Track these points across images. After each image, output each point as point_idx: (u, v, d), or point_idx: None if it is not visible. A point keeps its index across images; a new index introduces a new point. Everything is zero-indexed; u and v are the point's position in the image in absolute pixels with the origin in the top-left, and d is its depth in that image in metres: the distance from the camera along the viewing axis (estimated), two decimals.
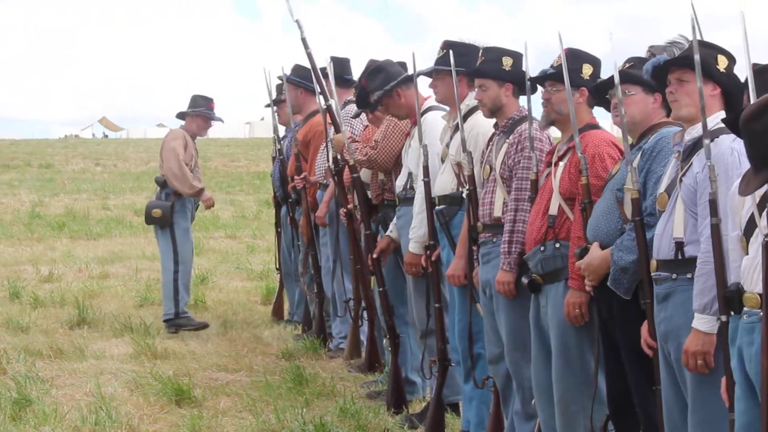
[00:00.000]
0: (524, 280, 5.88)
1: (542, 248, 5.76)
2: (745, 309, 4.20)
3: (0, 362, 9.06)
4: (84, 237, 18.72)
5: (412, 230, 7.34)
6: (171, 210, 10.78)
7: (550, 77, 5.75)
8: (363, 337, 9.28)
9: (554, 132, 6.18)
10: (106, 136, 78.01)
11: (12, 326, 10.71)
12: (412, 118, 7.58)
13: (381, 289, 8.05)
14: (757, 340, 4.14)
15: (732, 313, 4.25)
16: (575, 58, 5.74)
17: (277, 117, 11.08)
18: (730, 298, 4.23)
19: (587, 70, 5.75)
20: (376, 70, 7.79)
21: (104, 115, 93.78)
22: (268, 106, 11.19)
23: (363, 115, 8.93)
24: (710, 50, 4.79)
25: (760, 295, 4.07)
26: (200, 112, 10.98)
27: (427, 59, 7.52)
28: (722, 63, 4.78)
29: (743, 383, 4.22)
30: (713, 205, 4.36)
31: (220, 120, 11.22)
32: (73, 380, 8.73)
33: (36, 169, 34.95)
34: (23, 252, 16.70)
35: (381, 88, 7.69)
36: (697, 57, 4.47)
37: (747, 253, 4.20)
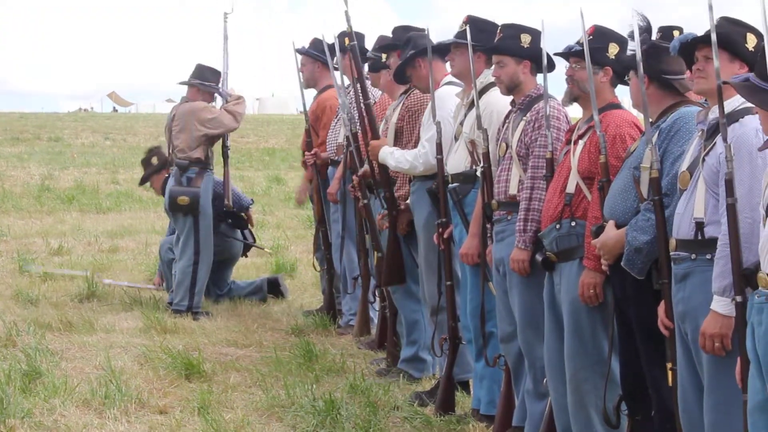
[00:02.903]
0: (538, 258, 5.87)
1: (558, 226, 5.74)
2: (758, 289, 4.18)
3: (10, 334, 9.06)
4: (94, 210, 18.73)
5: (399, 162, 7.54)
6: (198, 197, 10.29)
7: (575, 54, 5.71)
8: (373, 314, 9.29)
9: (573, 111, 6.15)
10: (116, 110, 77.94)
11: (22, 299, 10.71)
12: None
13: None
14: (765, 321, 4.15)
15: (750, 290, 4.23)
16: (602, 36, 5.70)
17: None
18: (749, 277, 4.22)
19: (613, 49, 5.71)
20: (407, 41, 7.71)
21: (113, 89, 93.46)
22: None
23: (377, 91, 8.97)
24: (739, 28, 4.74)
25: None
26: (210, 88, 10.49)
27: (438, 37, 7.51)
28: (751, 41, 4.71)
29: (756, 362, 4.20)
30: (729, 185, 4.33)
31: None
32: (82, 353, 8.73)
33: (45, 142, 34.94)
34: (33, 225, 16.71)
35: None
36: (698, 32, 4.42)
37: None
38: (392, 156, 7.67)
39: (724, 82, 4.38)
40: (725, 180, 4.36)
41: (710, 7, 4.38)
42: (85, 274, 11.34)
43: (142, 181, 11.83)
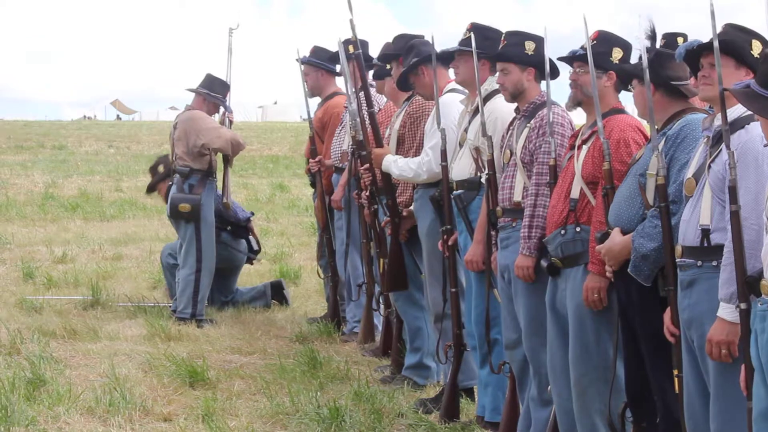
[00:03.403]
0: (543, 263, 5.86)
1: (563, 232, 5.73)
2: (761, 296, 4.17)
3: (14, 342, 9.06)
4: (97, 218, 18.72)
5: (402, 170, 7.53)
6: (199, 204, 10.28)
7: (578, 59, 5.71)
8: (377, 322, 9.28)
9: (577, 117, 6.14)
10: (119, 118, 78.01)
11: (26, 307, 10.71)
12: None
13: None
14: None
15: (755, 298, 4.22)
16: (606, 41, 5.71)
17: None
18: (753, 284, 4.20)
19: (617, 54, 5.71)
20: (410, 48, 7.72)
21: (117, 97, 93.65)
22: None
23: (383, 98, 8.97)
24: (744, 35, 4.73)
25: None
26: (216, 99, 10.47)
27: (437, 44, 7.48)
28: (756, 48, 4.69)
29: (759, 369, 4.19)
30: (733, 191, 4.32)
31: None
32: (87, 361, 8.73)
33: (49, 150, 34.98)
34: (37, 233, 16.70)
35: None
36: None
37: None
38: (395, 164, 7.66)
39: (726, 89, 4.37)
40: (729, 187, 4.35)
41: (712, 15, 4.37)
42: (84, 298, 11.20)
43: (149, 190, 11.80)
